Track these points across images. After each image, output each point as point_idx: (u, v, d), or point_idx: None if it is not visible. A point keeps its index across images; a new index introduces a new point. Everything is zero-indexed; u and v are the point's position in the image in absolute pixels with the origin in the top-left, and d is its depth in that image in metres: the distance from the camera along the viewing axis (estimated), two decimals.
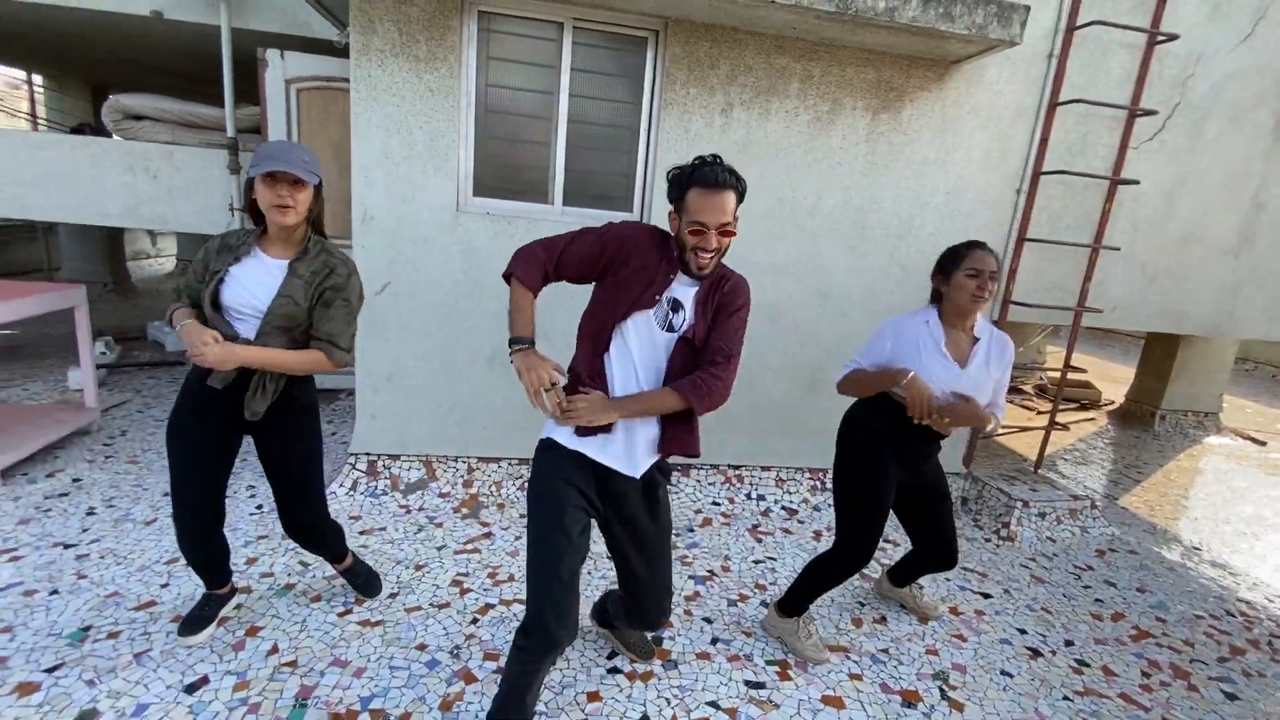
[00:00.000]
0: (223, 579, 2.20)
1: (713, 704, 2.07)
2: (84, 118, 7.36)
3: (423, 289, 3.14)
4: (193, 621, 2.15)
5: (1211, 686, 2.43)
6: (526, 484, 2.66)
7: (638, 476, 1.74)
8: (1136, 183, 3.50)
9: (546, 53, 3.03)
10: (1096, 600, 2.95)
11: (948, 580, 2.99)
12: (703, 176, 1.59)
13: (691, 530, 3.24)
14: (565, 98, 3.07)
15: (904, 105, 3.26)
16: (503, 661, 2.16)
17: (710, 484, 3.59)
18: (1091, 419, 6.16)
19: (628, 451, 1.71)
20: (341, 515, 3.00)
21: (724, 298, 1.69)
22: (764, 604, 2.67)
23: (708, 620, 2.52)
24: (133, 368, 5.00)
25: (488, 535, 3.00)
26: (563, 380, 1.59)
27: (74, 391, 4.35)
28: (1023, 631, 2.65)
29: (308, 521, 2.13)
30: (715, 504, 3.53)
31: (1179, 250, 3.74)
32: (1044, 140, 3.39)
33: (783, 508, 3.58)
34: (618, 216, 3.26)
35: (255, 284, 1.82)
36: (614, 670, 2.18)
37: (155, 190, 4.12)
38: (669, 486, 1.94)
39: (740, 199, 1.64)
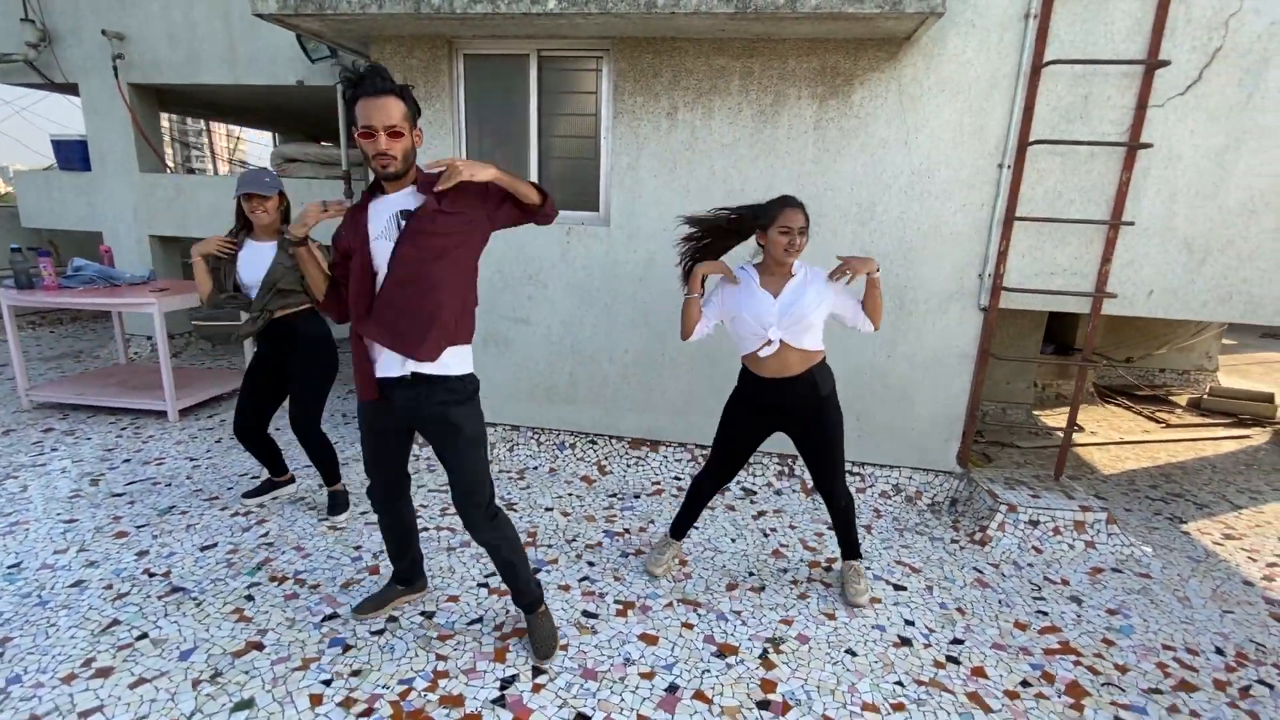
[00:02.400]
0: (277, 468, 3.27)
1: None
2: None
3: None
4: (251, 493, 3.26)
5: (1105, 711, 2.15)
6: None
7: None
8: (1149, 146, 3.01)
9: (519, 81, 3.60)
10: (1038, 613, 2.68)
11: (868, 566, 2.94)
12: (362, 88, 1.76)
13: (637, 497, 3.55)
14: (534, 116, 3.60)
15: (853, 89, 3.24)
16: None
17: (676, 460, 3.85)
18: (1246, 436, 5.00)
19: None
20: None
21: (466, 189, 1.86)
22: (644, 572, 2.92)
23: (590, 564, 2.86)
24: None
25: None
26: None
27: None
28: (909, 623, 2.56)
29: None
30: (675, 478, 3.78)
31: (1239, 223, 3.09)
32: (1028, 108, 3.10)
33: (742, 488, 3.71)
34: (586, 215, 3.71)
35: (252, 264, 2.78)
36: (481, 585, 2.66)
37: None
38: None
39: (409, 105, 1.80)
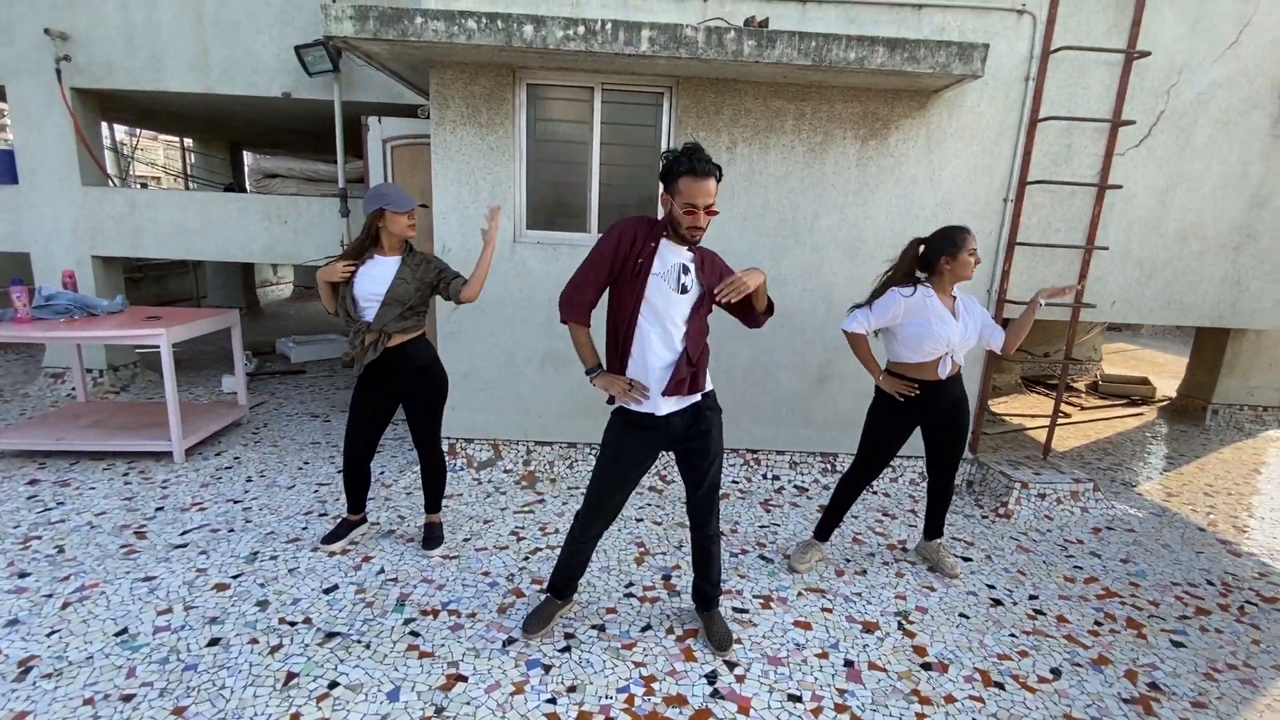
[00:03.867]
0: (358, 505, 3.11)
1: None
2: (223, 172, 8.87)
3: (489, 305, 3.91)
4: (331, 537, 3.08)
5: (1161, 636, 2.74)
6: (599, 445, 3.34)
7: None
8: (1119, 187, 3.79)
9: (581, 111, 3.75)
10: (1075, 567, 3.28)
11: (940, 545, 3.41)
12: (691, 166, 2.06)
13: None
14: (597, 146, 3.76)
15: (890, 132, 3.74)
16: (546, 584, 2.84)
17: (731, 466, 4.15)
18: (1140, 414, 6.17)
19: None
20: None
21: (714, 264, 2.27)
22: (761, 557, 3.21)
23: None
24: (267, 375, 6.14)
25: (541, 501, 3.71)
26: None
27: (227, 394, 5.48)
28: (991, 586, 3.05)
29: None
30: (734, 483, 4.09)
31: (1176, 247, 3.95)
32: (1027, 154, 3.76)
33: (795, 486, 4.09)
34: None
35: (373, 278, 2.76)
36: (628, 595, 2.81)
37: (285, 232, 5.17)
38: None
39: (718, 182, 2.12)
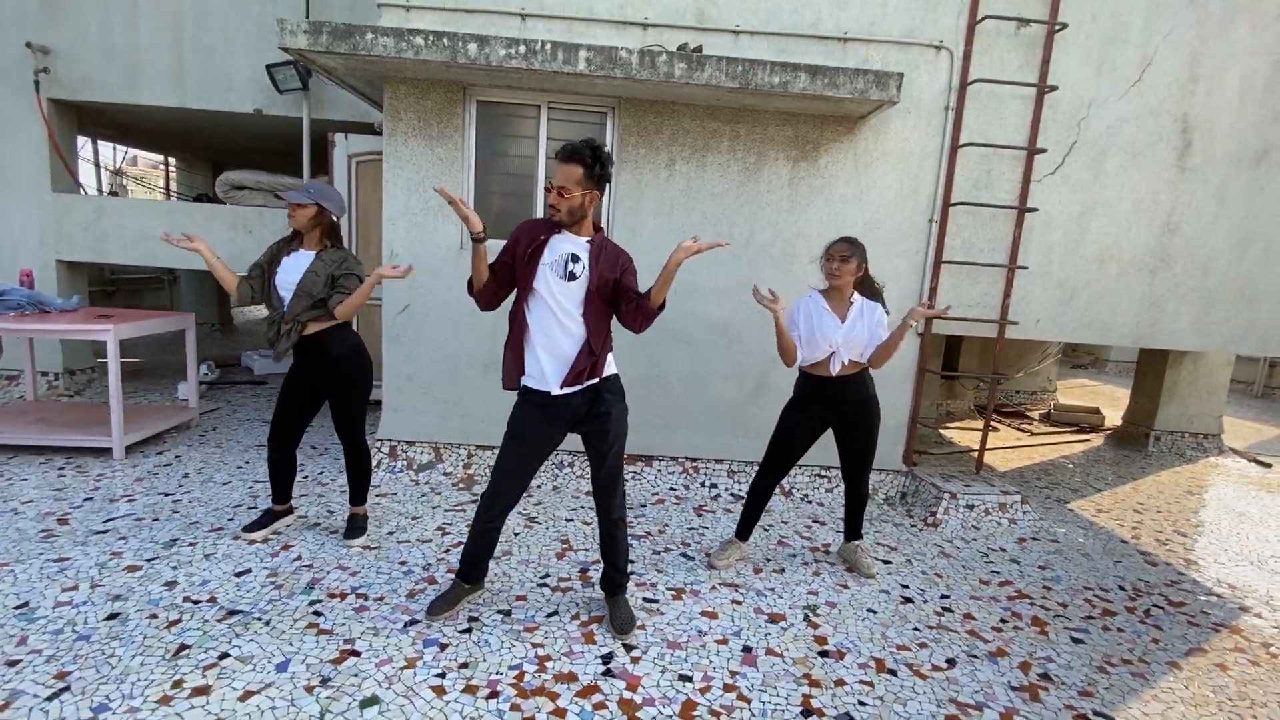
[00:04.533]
0: (283, 495, 3.15)
1: None
2: (204, 189, 9.05)
3: (434, 309, 4.02)
4: (253, 525, 3.09)
5: (1063, 634, 2.79)
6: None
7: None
8: (1035, 210, 3.99)
9: (529, 128, 3.94)
10: (993, 572, 3.34)
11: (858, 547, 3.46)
12: (560, 154, 2.25)
13: (644, 506, 3.86)
14: (543, 160, 3.94)
15: (820, 155, 3.95)
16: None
17: (670, 473, 4.21)
18: (1086, 440, 6.29)
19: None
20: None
21: (615, 258, 2.33)
22: (684, 555, 3.25)
23: (630, 561, 3.13)
24: (227, 385, 6.17)
25: (475, 501, 3.74)
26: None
27: (182, 400, 5.50)
28: (905, 586, 3.10)
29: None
30: (671, 489, 4.14)
31: (1095, 269, 4.14)
32: (949, 178, 3.97)
33: (731, 494, 4.14)
34: None
35: (293, 269, 2.84)
36: (542, 584, 2.84)
37: (251, 242, 5.29)
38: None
39: (588, 171, 2.22)
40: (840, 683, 2.33)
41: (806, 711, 2.16)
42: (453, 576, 2.85)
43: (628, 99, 3.87)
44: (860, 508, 3.20)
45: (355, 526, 3.16)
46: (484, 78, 3.68)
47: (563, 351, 2.33)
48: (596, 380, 2.38)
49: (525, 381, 2.39)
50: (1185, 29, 3.91)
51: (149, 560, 2.82)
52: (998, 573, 3.33)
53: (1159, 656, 2.67)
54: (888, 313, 2.96)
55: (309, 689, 2.08)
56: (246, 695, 2.03)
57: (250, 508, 3.43)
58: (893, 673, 2.41)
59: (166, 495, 3.53)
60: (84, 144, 7.88)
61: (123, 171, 8.81)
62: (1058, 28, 3.81)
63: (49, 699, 1.96)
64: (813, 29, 3.82)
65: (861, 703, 2.23)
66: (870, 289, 2.97)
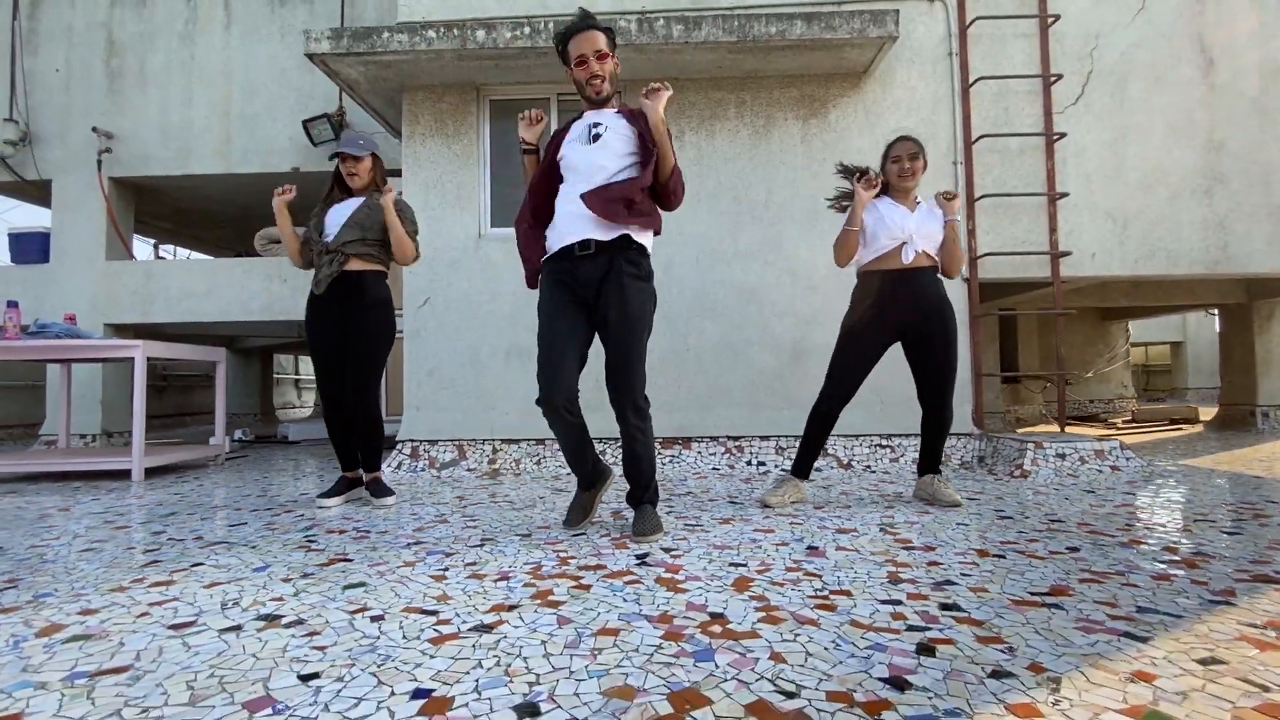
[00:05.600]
0: (350, 461, 2.89)
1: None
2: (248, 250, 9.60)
3: (455, 300, 3.95)
4: (329, 492, 2.86)
5: (1209, 530, 2.24)
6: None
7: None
8: (1063, 135, 3.82)
9: None
10: (1105, 500, 2.79)
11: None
12: (570, 29, 2.15)
13: (684, 481, 3.45)
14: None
15: (829, 111, 3.93)
16: (478, 519, 2.52)
17: (711, 454, 3.82)
18: (1181, 430, 5.59)
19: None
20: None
21: (640, 111, 2.15)
22: (731, 501, 2.83)
23: (669, 507, 2.73)
24: (258, 444, 6.10)
25: (498, 484, 3.42)
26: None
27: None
28: (999, 510, 2.60)
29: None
30: (715, 469, 3.73)
31: (1143, 195, 3.87)
32: (966, 118, 3.88)
33: (782, 470, 3.70)
34: None
35: (338, 215, 2.81)
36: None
37: (285, 290, 5.45)
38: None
39: (609, 36, 2.15)
40: (934, 564, 1.86)
41: (896, 581, 1.70)
42: (465, 518, 2.51)
43: (634, 81, 3.99)
44: (942, 434, 2.76)
45: (381, 488, 2.89)
46: (495, 73, 3.87)
47: (591, 197, 2.11)
48: (613, 235, 2.13)
49: (551, 245, 2.22)
50: None
51: (142, 523, 2.58)
52: (1110, 500, 2.78)
53: None
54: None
55: (286, 580, 1.75)
56: (212, 585, 1.71)
57: (260, 496, 3.19)
58: (1000, 557, 1.93)
59: (178, 495, 3.33)
60: (149, 244, 8.58)
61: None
62: None
63: None
64: None
65: (966, 574, 1.76)
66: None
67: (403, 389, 3.96)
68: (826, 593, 1.61)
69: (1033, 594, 1.59)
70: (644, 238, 2.21)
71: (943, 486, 2.73)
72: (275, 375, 10.78)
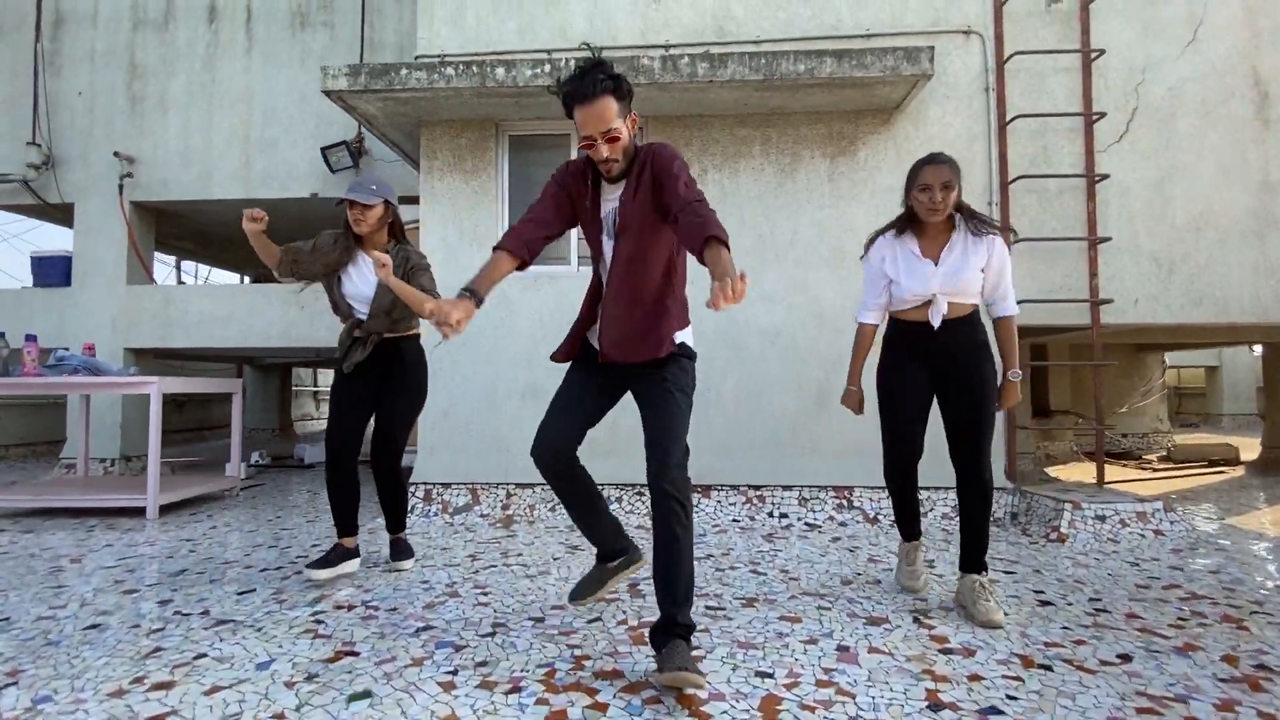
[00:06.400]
0: (349, 526, 2.65)
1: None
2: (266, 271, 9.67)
3: (470, 338, 3.87)
4: (319, 562, 2.57)
5: (1268, 628, 2.09)
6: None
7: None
8: (1106, 176, 3.65)
9: (559, 157, 3.98)
10: (1150, 577, 2.63)
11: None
12: (574, 95, 1.70)
13: (703, 534, 3.34)
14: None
15: (858, 149, 3.80)
16: (490, 590, 2.44)
17: (730, 504, 3.70)
18: (1222, 473, 5.35)
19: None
20: None
21: (651, 169, 1.77)
22: (754, 572, 2.71)
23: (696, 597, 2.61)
24: (274, 468, 6.09)
25: (512, 535, 3.33)
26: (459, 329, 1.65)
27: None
28: (1039, 592, 2.45)
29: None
30: (734, 520, 3.61)
31: (1192, 238, 3.68)
32: (1003, 156, 3.72)
33: (805, 523, 3.58)
34: None
35: (361, 280, 2.63)
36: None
37: (302, 316, 5.43)
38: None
39: (622, 98, 1.72)
40: (976, 678, 1.73)
41: (935, 706, 1.58)
42: (478, 591, 2.42)
43: (655, 117, 3.89)
44: (984, 506, 2.29)
45: (401, 550, 2.78)
46: (514, 109, 3.79)
47: (618, 315, 1.87)
48: (658, 355, 1.86)
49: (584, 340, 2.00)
50: None
51: (150, 585, 2.53)
52: (1157, 578, 2.62)
53: None
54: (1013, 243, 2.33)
55: (289, 684, 1.67)
56: (213, 690, 1.64)
57: (271, 546, 3.14)
58: (1046, 668, 1.79)
59: (186, 540, 3.29)
60: (170, 262, 8.66)
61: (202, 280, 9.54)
62: None
63: None
64: (834, 30, 3.83)
65: (1010, 697, 1.63)
66: (973, 214, 2.30)
67: (417, 430, 3.89)
68: None
69: None
70: (683, 335, 1.95)
71: (984, 597, 2.18)
72: (294, 387, 10.83)
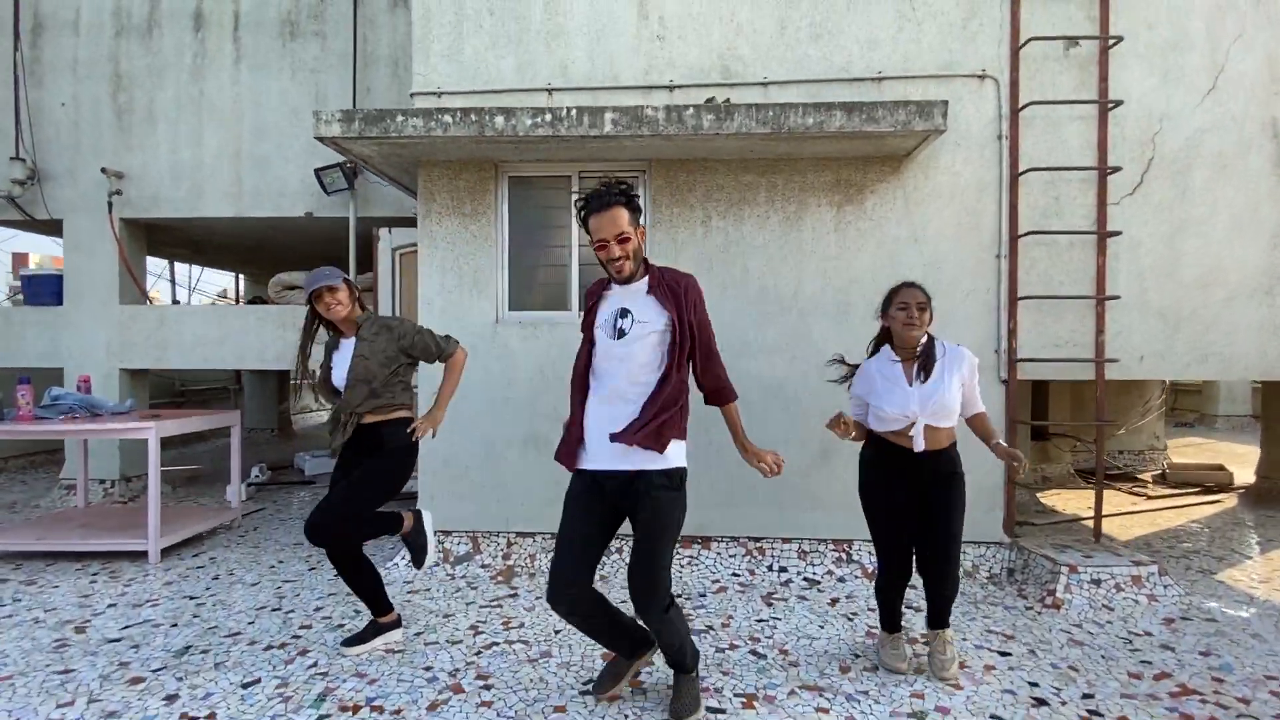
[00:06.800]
0: (379, 607, 2.75)
1: None
2: (262, 293, 9.58)
3: (470, 388, 3.83)
4: (353, 639, 2.73)
5: None
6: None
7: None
8: (1118, 234, 3.58)
9: (560, 197, 3.89)
10: (1143, 662, 2.68)
11: (964, 640, 2.87)
12: (591, 203, 2.02)
13: (703, 595, 3.38)
14: (576, 229, 3.85)
15: (865, 197, 3.71)
16: (492, 682, 2.47)
17: (731, 556, 3.73)
18: (1216, 501, 5.41)
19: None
20: (398, 583, 3.52)
21: (673, 285, 2.09)
22: (753, 653, 2.75)
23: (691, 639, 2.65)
24: (274, 486, 6.11)
25: (514, 595, 3.36)
26: None
27: (225, 501, 5.42)
28: (1034, 684, 2.50)
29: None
30: (735, 575, 3.65)
31: (1200, 295, 3.64)
32: (1013, 208, 3.64)
33: (804, 578, 3.61)
34: None
35: (343, 361, 2.66)
36: (584, 692, 2.40)
37: (297, 338, 5.36)
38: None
39: (632, 209, 2.03)
40: None
41: None
42: (481, 684, 2.46)
43: (658, 160, 3.79)
44: (947, 602, 2.55)
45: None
46: (513, 153, 3.68)
47: (616, 415, 2.06)
48: (634, 465, 2.04)
49: (581, 465, 2.14)
50: (1256, 30, 3.60)
51: (155, 671, 2.55)
52: (1149, 663, 2.67)
53: None
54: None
55: None
56: None
57: (274, 609, 3.17)
58: None
59: (191, 599, 3.31)
60: (163, 266, 8.52)
61: (191, 288, 9.43)
62: (1111, 42, 3.57)
63: None
64: (844, 72, 3.70)
65: None
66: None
67: (417, 478, 3.89)
68: None
69: None
70: (677, 449, 2.08)
71: (939, 652, 2.54)
72: (292, 382, 10.79)
